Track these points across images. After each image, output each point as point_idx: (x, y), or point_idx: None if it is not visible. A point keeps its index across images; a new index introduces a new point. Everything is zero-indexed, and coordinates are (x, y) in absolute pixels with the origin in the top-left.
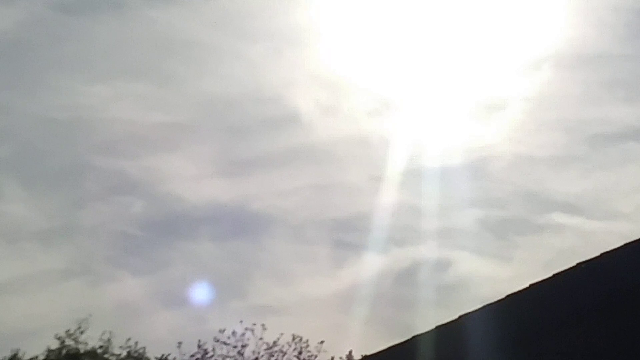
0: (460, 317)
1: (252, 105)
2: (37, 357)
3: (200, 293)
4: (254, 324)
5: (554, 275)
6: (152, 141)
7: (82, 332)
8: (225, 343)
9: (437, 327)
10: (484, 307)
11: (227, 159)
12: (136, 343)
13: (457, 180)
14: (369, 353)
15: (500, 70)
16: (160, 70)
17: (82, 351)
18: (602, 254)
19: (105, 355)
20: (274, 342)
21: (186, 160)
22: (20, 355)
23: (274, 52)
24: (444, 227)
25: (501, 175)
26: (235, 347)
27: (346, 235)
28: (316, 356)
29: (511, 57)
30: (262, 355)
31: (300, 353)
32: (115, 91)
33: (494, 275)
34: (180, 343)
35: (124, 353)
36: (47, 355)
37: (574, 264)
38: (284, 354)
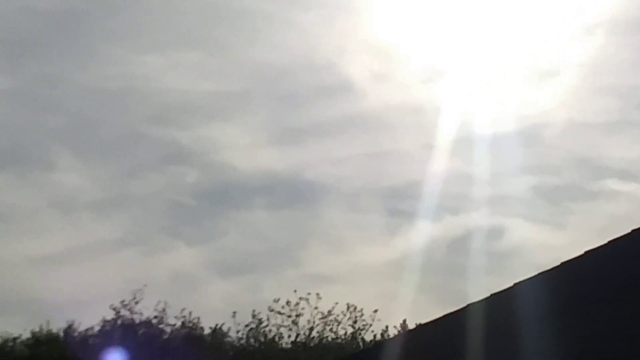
0: (515, 284)
1: (305, 73)
2: (92, 327)
3: None
4: (309, 293)
5: (609, 242)
6: (205, 110)
7: (137, 303)
8: (279, 312)
9: (492, 295)
10: (539, 274)
11: (280, 127)
12: (190, 313)
13: (509, 147)
14: (422, 321)
15: (554, 36)
16: (212, 39)
17: (137, 321)
18: None
19: (160, 326)
20: (329, 312)
21: (239, 129)
22: (75, 325)
23: (326, 19)
24: (497, 194)
25: (555, 142)
26: (289, 316)
27: (399, 203)
28: (370, 325)
29: (565, 22)
30: (317, 325)
31: (355, 322)
32: (168, 60)
33: (547, 243)
34: (234, 313)
35: (179, 323)
36: (103, 326)
37: (628, 230)
38: (339, 323)
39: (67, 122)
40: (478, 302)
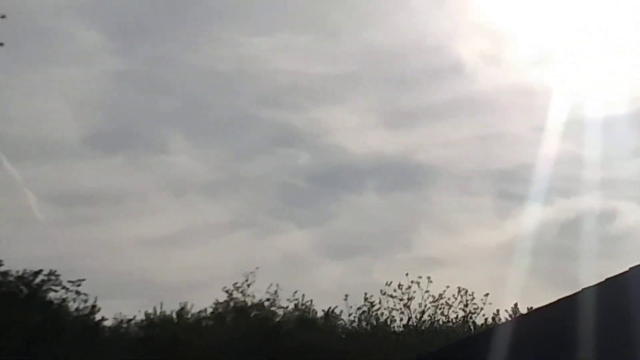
0: (630, 269)
1: (415, 55)
2: (205, 309)
3: None
4: (420, 277)
5: None
6: (316, 93)
7: (249, 285)
8: (391, 296)
9: (606, 280)
10: None
11: (390, 109)
12: (303, 296)
13: (622, 130)
14: (534, 306)
15: None
16: (323, 22)
17: (249, 304)
18: None
19: (272, 308)
20: (440, 295)
21: (350, 111)
22: (188, 307)
23: (436, 1)
24: (609, 177)
25: None
26: (401, 299)
27: (510, 186)
28: (482, 309)
29: None
30: (429, 308)
31: (466, 305)
32: (279, 43)
33: None
34: (346, 296)
35: (291, 306)
36: (215, 308)
37: None
38: (450, 306)
39: (179, 104)
40: (592, 286)
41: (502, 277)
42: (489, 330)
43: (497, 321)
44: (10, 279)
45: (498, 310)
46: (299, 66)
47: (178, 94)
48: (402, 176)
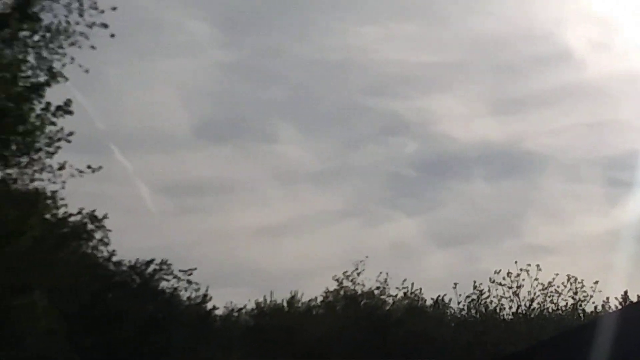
0: None
1: (523, 43)
2: (315, 298)
3: None
4: (529, 265)
5: None
6: (423, 81)
7: (359, 274)
8: (500, 284)
9: None
10: None
11: (498, 97)
12: (412, 284)
13: None
14: None
15: None
16: (430, 10)
17: (359, 292)
18: None
19: (382, 297)
20: (549, 283)
21: (457, 99)
22: (298, 296)
23: None
24: None
25: None
26: (510, 287)
27: (619, 173)
28: (591, 296)
29: None
30: (538, 296)
31: (575, 293)
32: (386, 32)
33: None
34: (455, 284)
35: (400, 294)
36: (325, 297)
37: None
38: (559, 294)
39: (288, 94)
40: None
41: (612, 265)
42: (599, 318)
43: (606, 309)
44: (124, 268)
45: (608, 298)
46: (407, 55)
47: (287, 84)
48: (510, 164)
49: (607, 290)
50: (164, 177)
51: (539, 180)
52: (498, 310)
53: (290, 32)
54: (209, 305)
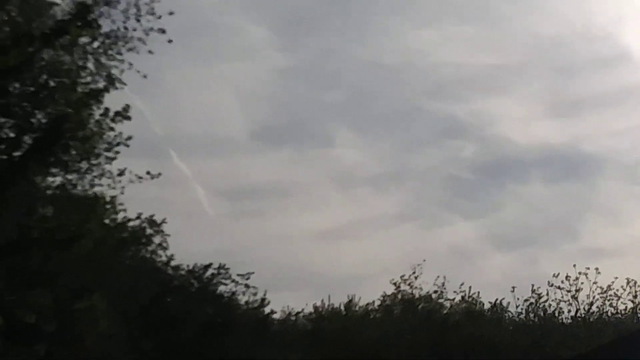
0: None
1: (582, 43)
2: (372, 302)
3: None
4: (588, 268)
5: None
6: (480, 83)
7: (416, 277)
8: (559, 287)
9: None
10: None
11: (556, 99)
12: (470, 288)
13: None
14: None
15: None
16: (487, 11)
17: (416, 296)
18: None
19: (440, 300)
20: (608, 286)
21: (515, 101)
22: (356, 300)
23: None
24: None
25: None
26: (569, 291)
27: None
28: None
29: None
30: (597, 300)
31: (635, 297)
32: (443, 34)
33: None
34: (513, 287)
35: (458, 297)
36: (383, 300)
37: None
38: (619, 297)
39: (345, 97)
40: None
41: None
42: None
43: None
44: (182, 272)
45: None
46: (464, 57)
47: (344, 87)
48: (569, 166)
49: None
50: (222, 181)
51: (598, 183)
52: (556, 314)
53: (347, 35)
54: (267, 309)
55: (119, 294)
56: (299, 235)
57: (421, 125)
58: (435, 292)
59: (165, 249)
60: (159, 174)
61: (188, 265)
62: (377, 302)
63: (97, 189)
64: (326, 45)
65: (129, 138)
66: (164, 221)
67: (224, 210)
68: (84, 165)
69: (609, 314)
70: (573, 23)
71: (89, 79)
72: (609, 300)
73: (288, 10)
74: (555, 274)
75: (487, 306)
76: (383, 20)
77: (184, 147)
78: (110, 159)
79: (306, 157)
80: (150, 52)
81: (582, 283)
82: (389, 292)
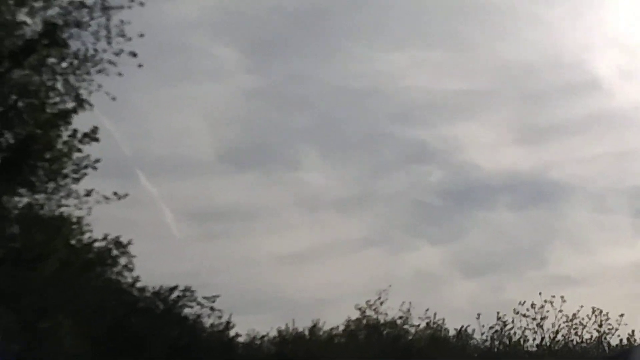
0: None
1: (551, 71)
2: (337, 326)
3: None
4: (553, 296)
5: None
6: (449, 109)
7: (382, 303)
8: (524, 315)
9: None
10: None
11: (524, 126)
12: (435, 314)
13: None
14: None
15: None
16: (456, 37)
17: (381, 322)
18: None
19: (405, 326)
20: (574, 315)
21: (483, 127)
22: (320, 324)
23: (572, 15)
24: None
25: None
26: (534, 319)
27: None
28: (616, 329)
29: None
30: (562, 328)
31: (600, 326)
32: (412, 59)
33: None
34: (479, 314)
35: (423, 324)
36: (347, 325)
37: None
38: (584, 326)
39: (313, 121)
40: None
41: (638, 297)
42: (624, 351)
43: (632, 342)
44: (148, 294)
45: (633, 331)
46: (432, 82)
47: (312, 110)
48: (536, 193)
49: (634, 323)
50: (189, 202)
51: (565, 210)
52: (522, 342)
53: (316, 59)
54: (232, 333)
55: (85, 314)
56: (265, 259)
57: (388, 149)
58: (401, 317)
59: (131, 270)
60: (126, 195)
61: (154, 287)
62: (342, 327)
63: (63, 209)
64: (295, 69)
65: (97, 161)
66: (130, 242)
67: (190, 232)
68: (51, 185)
69: (574, 342)
70: (542, 50)
71: (57, 99)
72: (574, 329)
73: (258, 33)
74: (521, 302)
75: (452, 333)
76: (352, 45)
77: (151, 168)
78: (78, 180)
79: (273, 180)
80: (120, 74)
81: (547, 311)
82: (353, 317)
